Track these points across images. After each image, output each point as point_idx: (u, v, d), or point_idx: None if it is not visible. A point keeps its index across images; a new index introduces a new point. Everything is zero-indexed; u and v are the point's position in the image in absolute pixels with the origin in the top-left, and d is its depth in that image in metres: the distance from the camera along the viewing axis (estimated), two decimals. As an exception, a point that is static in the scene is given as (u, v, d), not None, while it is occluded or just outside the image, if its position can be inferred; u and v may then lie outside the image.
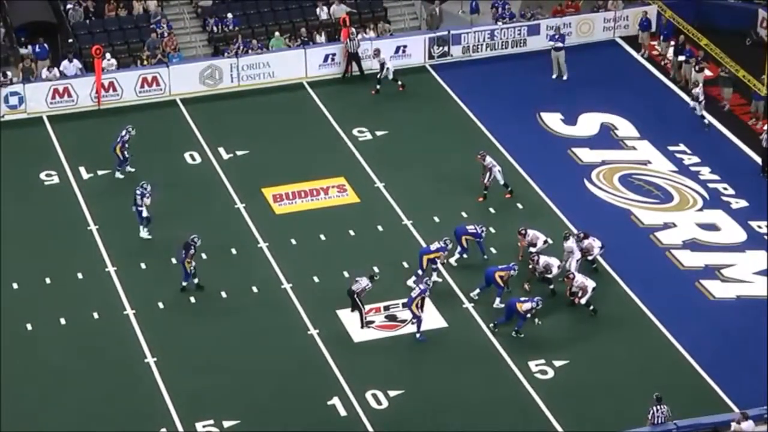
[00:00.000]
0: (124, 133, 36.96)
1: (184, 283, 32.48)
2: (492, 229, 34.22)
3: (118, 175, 37.04)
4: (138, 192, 34.08)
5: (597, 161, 38.03)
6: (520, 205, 35.84)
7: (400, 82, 41.57)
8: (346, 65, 42.37)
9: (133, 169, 37.15)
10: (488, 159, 35.89)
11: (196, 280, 32.53)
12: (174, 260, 32.95)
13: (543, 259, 32.35)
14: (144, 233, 34.27)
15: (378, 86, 41.51)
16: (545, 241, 33.19)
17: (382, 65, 41.45)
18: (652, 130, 39.37)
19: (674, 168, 37.70)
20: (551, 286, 32.26)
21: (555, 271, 32.29)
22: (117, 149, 36.92)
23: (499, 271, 31.76)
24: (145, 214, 34.06)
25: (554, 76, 42.19)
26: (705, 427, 27.64)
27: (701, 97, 39.54)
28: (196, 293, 32.45)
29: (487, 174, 35.78)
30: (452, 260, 33.30)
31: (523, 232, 33.32)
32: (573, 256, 32.44)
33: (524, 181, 36.92)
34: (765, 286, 32.74)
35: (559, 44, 42.09)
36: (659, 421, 27.43)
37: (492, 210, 35.61)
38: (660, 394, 27.64)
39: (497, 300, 31.82)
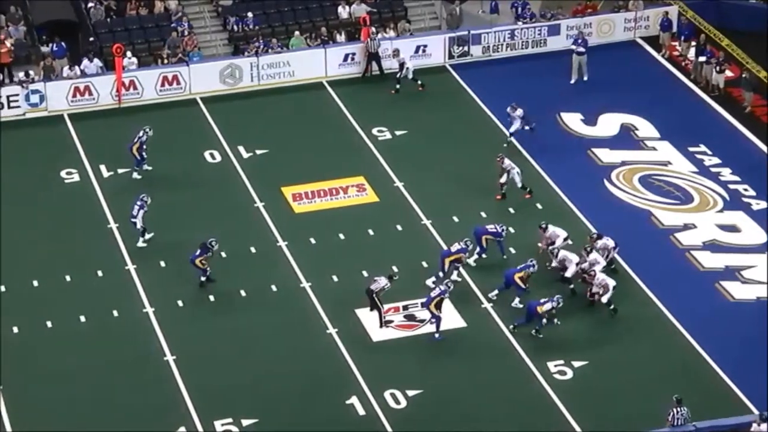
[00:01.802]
0: (141, 133, 37.06)
1: (203, 278, 32.56)
2: (511, 229, 34.15)
3: (135, 175, 37.13)
4: (138, 203, 34.01)
5: (617, 162, 37.98)
6: (539, 206, 35.78)
7: (419, 82, 41.58)
8: (366, 65, 42.40)
9: (150, 168, 37.23)
10: (507, 162, 35.89)
11: (203, 278, 32.63)
12: (223, 253, 32.97)
13: (562, 254, 32.31)
14: (140, 242, 34.16)
15: (397, 86, 41.53)
16: (565, 239, 33.18)
17: (402, 65, 41.48)
18: (673, 131, 39.31)
19: (694, 169, 37.64)
20: (571, 286, 32.21)
21: (572, 268, 32.17)
22: (134, 149, 37.02)
23: (518, 273, 31.72)
24: (138, 225, 33.94)
25: (572, 81, 42.04)
26: (724, 429, 27.52)
27: (522, 113, 38.51)
28: (215, 292, 32.50)
29: (505, 175, 35.78)
30: (471, 260, 33.28)
31: (543, 226, 33.32)
32: (598, 265, 32.27)
33: (544, 182, 36.89)
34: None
35: (581, 49, 41.93)
36: (679, 423, 27.31)
37: (511, 210, 35.58)
38: (680, 396, 27.55)
39: (516, 300, 31.80)
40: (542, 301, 30.79)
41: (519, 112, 38.23)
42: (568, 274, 32.26)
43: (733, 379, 29.71)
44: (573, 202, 36.00)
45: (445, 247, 33.29)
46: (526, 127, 38.41)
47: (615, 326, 31.37)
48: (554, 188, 36.55)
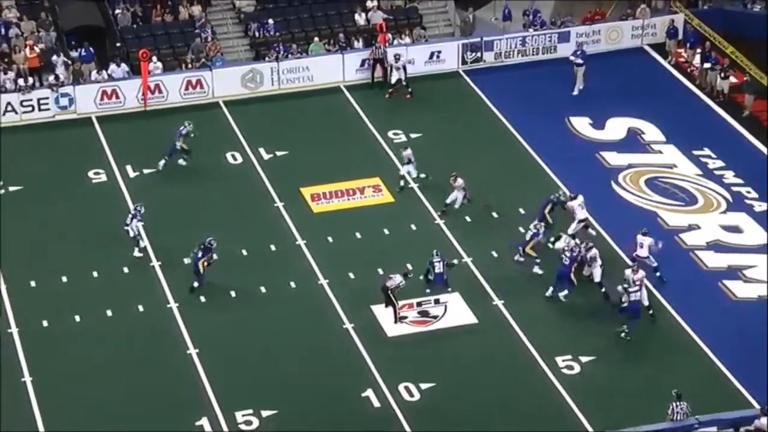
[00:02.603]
0: (182, 127, 37.46)
1: (195, 284, 32.67)
2: (521, 228, 34.52)
3: (161, 163, 37.50)
4: (132, 212, 34.14)
5: (624, 164, 38.19)
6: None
7: (405, 84, 41.79)
8: (372, 71, 42.52)
9: (162, 162, 37.65)
10: (459, 181, 35.39)
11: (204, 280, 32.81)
12: (215, 256, 32.99)
13: (593, 252, 32.34)
14: (136, 252, 34.14)
15: (409, 89, 41.76)
16: (579, 222, 33.70)
17: (404, 68, 41.67)
18: (678, 135, 39.44)
19: (699, 172, 37.83)
20: (603, 290, 32.30)
21: (598, 271, 32.32)
22: (178, 143, 37.38)
23: (570, 268, 31.93)
24: (131, 234, 33.87)
25: (581, 88, 42.21)
26: (726, 423, 27.60)
27: (410, 153, 36.94)
28: (236, 288, 32.81)
29: (458, 196, 35.49)
30: (547, 242, 33.35)
31: (573, 195, 33.94)
32: (641, 256, 32.60)
33: (553, 183, 37.03)
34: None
35: (580, 60, 41.84)
36: (678, 418, 27.39)
37: (521, 210, 35.73)
38: (679, 391, 27.69)
39: (566, 291, 32.26)
40: (635, 298, 30.82)
41: (408, 152, 36.60)
42: (596, 278, 32.33)
43: (735, 375, 29.89)
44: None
45: (460, 247, 33.75)
46: (420, 175, 36.46)
47: (620, 323, 31.29)
48: (563, 190, 36.33)
